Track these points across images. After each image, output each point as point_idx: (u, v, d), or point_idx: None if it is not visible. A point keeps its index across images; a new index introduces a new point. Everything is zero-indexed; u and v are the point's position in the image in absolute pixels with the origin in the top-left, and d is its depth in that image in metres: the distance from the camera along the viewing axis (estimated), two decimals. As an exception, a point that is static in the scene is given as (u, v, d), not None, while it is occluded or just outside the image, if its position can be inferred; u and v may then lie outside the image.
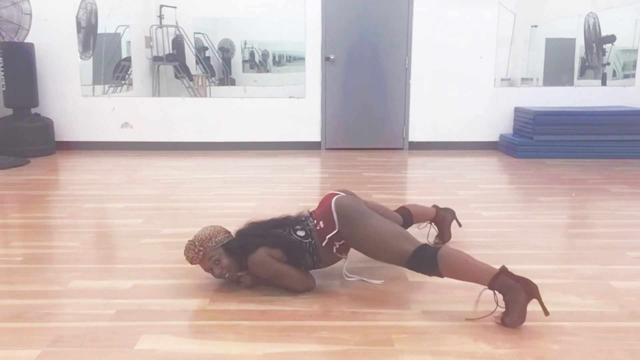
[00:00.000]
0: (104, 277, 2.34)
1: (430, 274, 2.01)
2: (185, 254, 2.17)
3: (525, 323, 1.89)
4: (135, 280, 2.30)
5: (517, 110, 5.88)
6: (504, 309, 1.90)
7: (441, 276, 1.99)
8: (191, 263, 2.18)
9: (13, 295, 2.17)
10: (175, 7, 5.82)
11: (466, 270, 1.96)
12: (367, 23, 5.86)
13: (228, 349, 1.75)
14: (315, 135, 6.03)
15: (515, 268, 2.42)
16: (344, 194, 2.26)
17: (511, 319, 1.87)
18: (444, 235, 2.75)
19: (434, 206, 2.77)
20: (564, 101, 5.93)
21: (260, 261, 2.09)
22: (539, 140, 5.44)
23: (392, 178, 4.61)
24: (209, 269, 2.17)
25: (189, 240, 2.17)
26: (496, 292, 1.92)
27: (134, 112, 5.97)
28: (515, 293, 1.88)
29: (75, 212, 3.40)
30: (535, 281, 2.27)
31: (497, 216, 3.31)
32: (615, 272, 2.40)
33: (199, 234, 2.18)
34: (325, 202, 2.23)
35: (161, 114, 5.95)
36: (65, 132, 5.95)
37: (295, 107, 5.99)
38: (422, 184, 4.38)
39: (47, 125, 5.65)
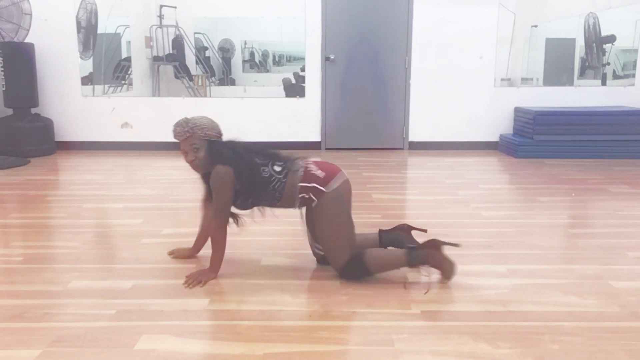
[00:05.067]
0: (104, 277, 2.34)
1: (364, 277, 2.25)
2: (174, 127, 2.26)
3: (525, 323, 1.91)
4: (135, 280, 2.30)
5: (517, 110, 5.88)
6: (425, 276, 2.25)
7: (372, 274, 2.25)
8: (174, 136, 2.27)
9: (13, 295, 2.17)
10: (175, 7, 5.82)
11: (387, 261, 2.25)
12: (367, 23, 5.86)
13: (228, 349, 1.75)
14: (315, 135, 6.03)
15: (515, 268, 2.44)
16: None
17: (447, 273, 2.22)
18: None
19: (380, 230, 2.51)
20: (564, 101, 5.92)
21: (223, 177, 2.18)
22: (539, 140, 5.44)
23: (392, 178, 4.61)
24: (184, 152, 2.26)
25: (184, 117, 2.27)
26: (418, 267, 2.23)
27: (134, 112, 5.96)
28: (430, 257, 2.21)
29: (75, 212, 3.40)
30: (535, 281, 2.29)
31: (497, 216, 3.31)
32: (615, 272, 2.40)
33: (196, 117, 2.28)
34: (337, 168, 2.30)
35: (161, 114, 5.95)
36: (65, 132, 5.94)
37: (295, 107, 5.99)
38: (422, 184, 4.38)
39: (47, 125, 5.65)
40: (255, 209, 2.35)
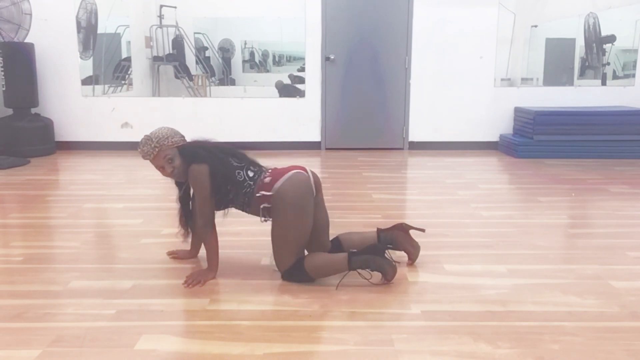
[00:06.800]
0: (104, 277, 2.34)
1: (305, 282, 2.24)
2: (140, 149, 2.21)
3: (525, 323, 1.91)
4: (135, 280, 2.30)
5: (517, 110, 5.88)
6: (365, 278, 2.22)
7: (313, 280, 2.24)
8: (143, 158, 2.23)
9: (13, 295, 2.17)
10: (175, 7, 5.82)
11: (327, 266, 2.23)
12: (367, 23, 5.86)
13: (228, 349, 1.75)
14: (315, 135, 6.03)
15: (515, 268, 2.44)
16: (307, 175, 2.27)
17: (388, 276, 2.20)
18: (408, 253, 2.47)
19: (378, 229, 2.50)
20: (564, 101, 5.92)
21: (200, 174, 2.16)
22: (539, 140, 5.44)
23: (392, 178, 4.61)
24: (160, 167, 2.23)
25: (145, 136, 2.22)
26: (360, 271, 2.20)
27: (134, 112, 5.96)
28: (372, 262, 2.18)
29: (75, 212, 3.40)
30: (535, 281, 2.29)
31: (497, 216, 3.31)
32: (615, 272, 2.40)
33: (156, 131, 2.23)
34: (287, 169, 2.26)
35: (161, 114, 5.95)
36: (65, 132, 5.94)
37: (295, 107, 5.99)
38: (422, 184, 4.38)
39: (47, 125, 5.65)
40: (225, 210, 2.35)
